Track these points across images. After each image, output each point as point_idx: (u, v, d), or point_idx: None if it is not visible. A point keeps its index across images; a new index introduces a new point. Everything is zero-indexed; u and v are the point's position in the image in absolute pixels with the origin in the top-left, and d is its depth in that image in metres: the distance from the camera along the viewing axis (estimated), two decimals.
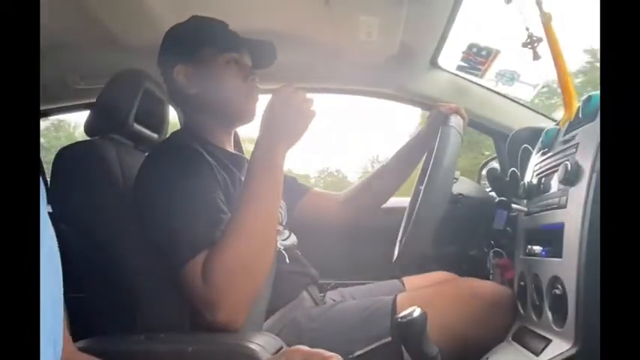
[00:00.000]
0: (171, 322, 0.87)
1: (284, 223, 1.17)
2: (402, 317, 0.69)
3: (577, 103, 1.09)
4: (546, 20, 1.06)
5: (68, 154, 0.98)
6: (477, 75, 1.49)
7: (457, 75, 1.55)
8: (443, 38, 1.40)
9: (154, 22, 1.14)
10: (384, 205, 1.34)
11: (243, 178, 0.97)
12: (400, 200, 1.49)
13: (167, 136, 1.16)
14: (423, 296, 1.02)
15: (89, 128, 1.05)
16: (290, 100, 0.86)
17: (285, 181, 1.29)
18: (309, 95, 0.88)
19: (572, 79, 1.10)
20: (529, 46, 1.15)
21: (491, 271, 1.23)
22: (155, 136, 1.17)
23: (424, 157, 1.24)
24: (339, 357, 0.67)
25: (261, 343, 0.73)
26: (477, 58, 1.43)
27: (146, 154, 0.99)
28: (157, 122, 1.18)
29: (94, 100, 1.08)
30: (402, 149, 1.27)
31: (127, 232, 0.89)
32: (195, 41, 1.03)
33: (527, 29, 1.14)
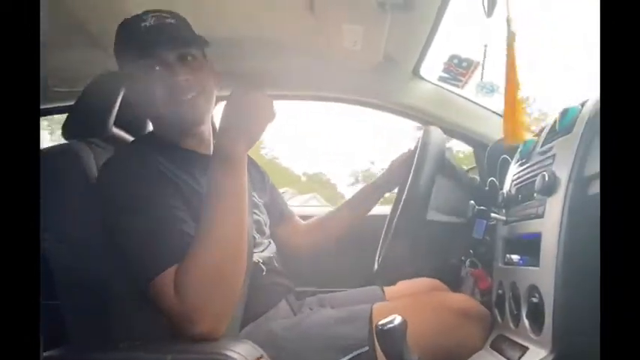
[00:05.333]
0: (149, 330, 0.85)
1: (267, 232, 1.15)
2: (382, 325, 0.70)
3: (523, 130, 1.11)
4: (510, 39, 1.09)
5: (44, 157, 0.96)
6: (457, 86, 1.51)
7: (439, 85, 1.57)
8: (425, 49, 1.42)
9: None
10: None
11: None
12: (380, 208, 1.50)
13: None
14: (400, 306, 1.02)
15: (67, 131, 1.03)
16: (247, 99, 0.81)
17: (278, 200, 1.30)
18: (268, 95, 0.83)
19: (522, 104, 1.11)
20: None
21: (465, 280, 1.25)
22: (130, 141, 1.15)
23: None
24: None
25: (241, 351, 0.72)
26: (458, 69, 1.46)
27: None
28: (137, 126, 1.16)
29: (72, 102, 1.07)
30: (363, 190, 1.38)
31: (102, 237, 0.88)
32: (118, 54, 0.98)
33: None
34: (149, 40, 0.93)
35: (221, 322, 0.78)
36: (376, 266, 1.17)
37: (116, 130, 1.07)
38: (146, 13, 0.96)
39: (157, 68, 0.93)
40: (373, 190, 1.36)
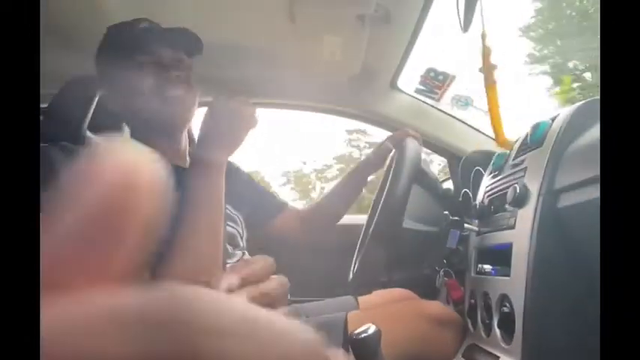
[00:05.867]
0: None
1: (241, 245, 1.14)
2: (357, 334, 0.70)
3: (503, 132, 1.16)
4: (486, 52, 1.13)
5: None
6: (433, 98, 1.54)
7: (415, 97, 1.60)
8: (403, 61, 1.45)
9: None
10: (340, 222, 1.36)
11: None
12: (355, 217, 1.51)
13: None
14: (374, 315, 1.03)
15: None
16: (229, 106, 0.82)
17: (263, 195, 1.29)
18: (251, 103, 0.85)
19: (500, 110, 1.17)
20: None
21: (440, 290, 1.26)
22: None
23: (384, 175, 1.26)
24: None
25: None
26: (435, 82, 1.49)
27: None
28: (111, 130, 1.14)
29: (45, 105, 1.04)
30: (352, 171, 1.35)
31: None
32: (107, 50, 0.97)
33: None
34: (147, 38, 0.94)
35: None
36: (351, 276, 1.17)
37: (90, 135, 1.05)
38: (138, 19, 0.97)
39: (150, 64, 0.93)
40: (365, 167, 1.33)
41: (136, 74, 0.93)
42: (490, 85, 1.14)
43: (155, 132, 0.97)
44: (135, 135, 1.02)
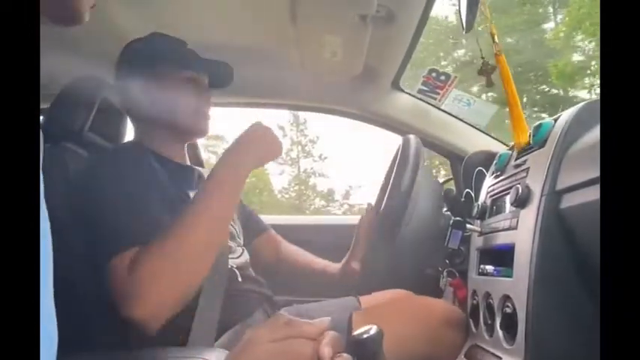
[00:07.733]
0: (117, 337, 0.83)
1: (240, 242, 1.15)
2: (359, 335, 0.69)
3: (527, 129, 1.15)
4: (498, 51, 1.12)
5: None
6: (435, 99, 1.54)
7: (417, 98, 1.60)
8: (405, 62, 1.44)
9: (117, 32, 1.11)
10: (339, 222, 1.37)
11: (190, 190, 1.01)
12: (355, 218, 1.51)
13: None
14: (378, 314, 1.03)
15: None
16: (266, 133, 0.94)
17: (247, 213, 1.31)
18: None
19: (521, 107, 1.16)
20: (484, 74, 1.21)
21: (444, 290, 1.26)
22: (110, 145, 1.14)
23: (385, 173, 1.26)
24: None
25: (213, 358, 0.71)
26: (436, 82, 1.49)
27: None
28: (113, 132, 1.14)
29: (47, 105, 1.04)
30: (336, 265, 1.29)
31: (70, 242, 0.86)
32: (154, 56, 1.05)
33: (483, 58, 1.19)
34: (193, 58, 1.08)
35: (159, 315, 0.77)
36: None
37: (92, 136, 1.05)
38: (180, 40, 1.09)
39: (191, 81, 1.07)
40: (329, 271, 1.30)
41: (180, 85, 1.05)
42: (507, 81, 1.12)
43: (169, 133, 1.08)
44: (144, 127, 1.08)
